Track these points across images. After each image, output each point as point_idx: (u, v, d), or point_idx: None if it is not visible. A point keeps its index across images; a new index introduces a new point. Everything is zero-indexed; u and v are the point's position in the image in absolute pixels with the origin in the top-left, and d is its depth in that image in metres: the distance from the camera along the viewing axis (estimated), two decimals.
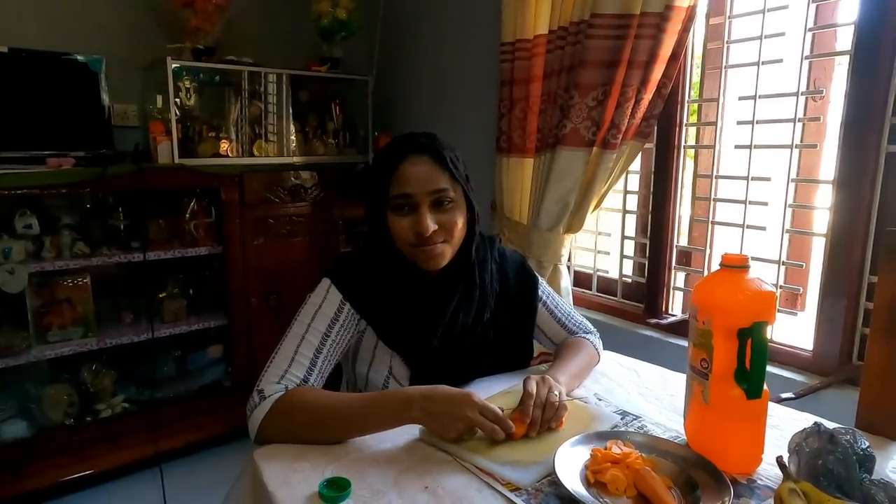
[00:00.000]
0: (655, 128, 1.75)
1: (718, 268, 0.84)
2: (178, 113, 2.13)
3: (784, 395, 1.29)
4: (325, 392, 0.95)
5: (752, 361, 0.78)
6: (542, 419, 0.90)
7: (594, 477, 0.78)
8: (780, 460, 0.76)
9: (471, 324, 1.10)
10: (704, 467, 0.79)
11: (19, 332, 1.92)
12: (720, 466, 0.78)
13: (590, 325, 1.29)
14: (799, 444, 0.79)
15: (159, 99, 2.20)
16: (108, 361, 2.18)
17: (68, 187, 1.89)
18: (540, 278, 1.24)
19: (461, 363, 1.09)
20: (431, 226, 1.00)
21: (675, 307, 1.81)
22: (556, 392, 0.95)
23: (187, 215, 2.23)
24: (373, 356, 1.09)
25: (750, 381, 0.78)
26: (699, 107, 1.74)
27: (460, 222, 1.04)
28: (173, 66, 2.07)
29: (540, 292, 1.22)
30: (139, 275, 2.15)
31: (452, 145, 1.08)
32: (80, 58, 1.96)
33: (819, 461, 0.75)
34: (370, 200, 1.06)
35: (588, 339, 1.23)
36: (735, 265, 0.82)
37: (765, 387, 0.80)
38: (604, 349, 1.32)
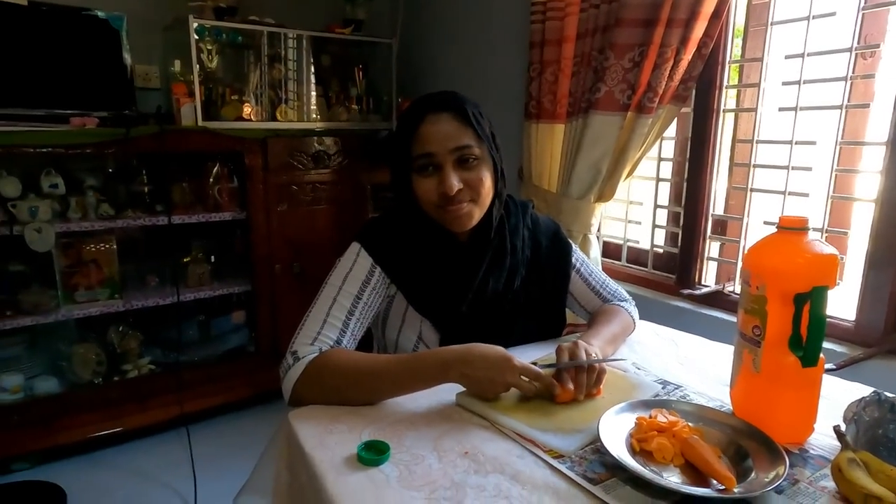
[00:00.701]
0: (694, 91, 1.67)
1: (775, 230, 0.80)
2: (200, 74, 2.09)
3: (825, 366, 1.25)
4: (358, 353, 0.93)
5: (809, 327, 0.74)
6: (584, 383, 0.88)
7: (640, 445, 0.76)
8: (837, 430, 0.73)
9: (501, 290, 1.07)
10: (755, 436, 0.76)
11: (48, 290, 1.94)
12: (771, 436, 0.75)
13: (625, 293, 1.25)
14: (857, 412, 0.76)
15: (178, 62, 2.16)
16: (135, 323, 2.20)
17: (92, 147, 1.88)
18: (574, 245, 1.21)
19: (491, 329, 1.07)
20: (456, 184, 0.97)
21: (709, 278, 1.76)
22: (593, 355, 0.92)
23: (211, 179, 2.21)
24: (402, 321, 1.08)
25: (807, 348, 0.75)
26: (741, 67, 1.66)
27: (487, 180, 1.01)
28: (195, 24, 2.03)
29: (574, 259, 1.19)
30: (164, 238, 2.15)
31: (476, 102, 1.04)
32: (100, 14, 1.92)
33: (879, 430, 0.72)
34: (394, 164, 1.03)
35: (623, 307, 1.20)
36: (794, 227, 0.77)
37: (821, 354, 0.76)
38: (640, 321, 1.30)
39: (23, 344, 2.03)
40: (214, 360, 2.33)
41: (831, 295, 1.45)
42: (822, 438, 0.80)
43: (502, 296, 1.08)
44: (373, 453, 0.74)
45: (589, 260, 1.24)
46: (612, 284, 1.24)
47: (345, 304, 0.98)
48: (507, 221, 1.11)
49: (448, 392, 0.90)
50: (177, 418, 2.12)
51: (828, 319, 1.42)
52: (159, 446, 2.14)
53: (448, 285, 1.04)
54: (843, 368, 1.31)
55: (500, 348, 0.88)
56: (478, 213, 1.02)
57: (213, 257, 2.34)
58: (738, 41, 1.67)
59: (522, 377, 0.86)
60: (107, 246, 2.04)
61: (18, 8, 1.79)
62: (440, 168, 0.98)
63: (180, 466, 1.98)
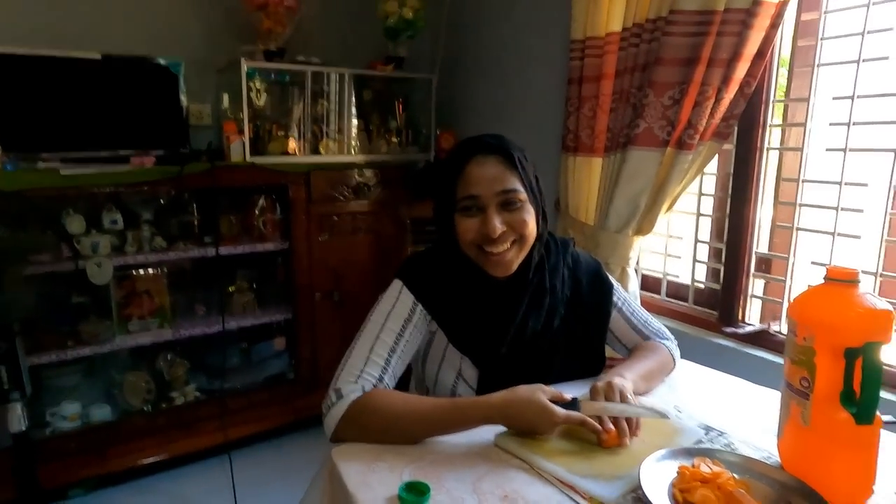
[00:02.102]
0: (736, 128, 1.66)
1: (823, 281, 0.79)
2: (250, 113, 2.19)
3: (885, 418, 1.20)
4: (401, 395, 0.95)
5: (863, 384, 0.72)
6: (625, 427, 0.88)
7: (682, 496, 0.75)
8: None
9: (540, 330, 1.08)
10: (807, 495, 0.74)
11: (104, 321, 2.04)
12: (823, 495, 0.73)
13: (668, 332, 1.24)
14: None
15: (227, 99, 2.27)
16: (182, 351, 2.28)
17: (150, 185, 1.98)
18: (616, 284, 1.21)
19: (531, 368, 1.07)
20: (499, 227, 0.99)
21: (753, 316, 1.72)
22: (630, 397, 0.92)
23: (256, 212, 2.30)
24: (443, 357, 1.09)
25: (861, 404, 0.73)
26: (785, 107, 1.64)
27: (531, 222, 1.02)
28: (246, 67, 2.13)
29: (615, 298, 1.18)
30: (211, 269, 2.23)
31: (521, 146, 1.06)
32: (161, 61, 2.05)
33: None
34: (438, 202, 1.05)
35: (664, 344, 1.19)
36: (842, 279, 0.76)
37: (877, 412, 0.74)
38: (681, 360, 1.28)
39: (80, 373, 2.12)
40: (256, 386, 2.39)
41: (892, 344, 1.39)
42: (883, 501, 0.77)
43: (541, 335, 1.08)
44: (413, 495, 0.76)
45: (631, 298, 1.23)
46: (655, 324, 1.23)
47: (387, 341, 1.00)
48: (547, 260, 1.11)
49: (488, 431, 0.91)
50: (220, 445, 2.17)
51: (889, 368, 1.38)
52: (203, 473, 2.19)
53: (487, 325, 1.05)
54: None
55: (540, 395, 0.89)
56: (518, 259, 1.04)
57: (255, 286, 2.42)
58: (784, 79, 1.65)
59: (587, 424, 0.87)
60: (159, 276, 2.14)
61: (93, 62, 1.93)
62: (484, 210, 1.00)
63: (222, 493, 2.02)
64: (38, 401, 1.97)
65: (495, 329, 1.05)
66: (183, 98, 2.10)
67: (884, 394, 1.36)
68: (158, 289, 2.14)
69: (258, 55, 2.22)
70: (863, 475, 0.77)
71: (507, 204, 1.00)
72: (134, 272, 2.09)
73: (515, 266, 1.04)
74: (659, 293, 1.99)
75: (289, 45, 2.33)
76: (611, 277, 1.21)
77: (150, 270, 2.12)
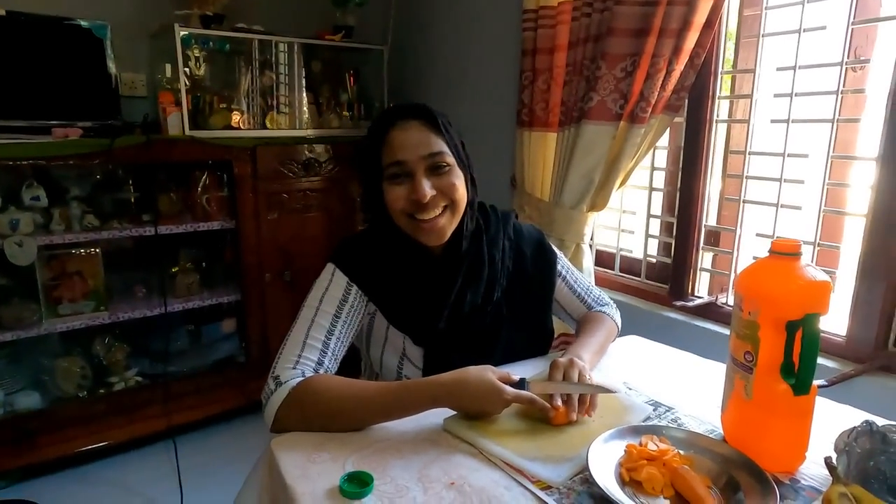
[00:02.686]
0: (686, 101, 1.66)
1: (767, 254, 0.78)
2: (187, 83, 2.06)
3: (816, 382, 1.23)
4: (343, 380, 0.91)
5: (802, 355, 0.73)
6: (575, 403, 0.87)
7: (629, 475, 0.74)
8: (828, 462, 0.71)
9: (480, 303, 1.06)
10: (747, 467, 0.74)
11: (30, 304, 1.90)
12: (761, 464, 0.74)
13: (607, 297, 1.26)
14: (848, 443, 0.74)
15: (168, 68, 2.12)
16: (121, 335, 2.17)
17: (76, 158, 1.84)
18: (559, 253, 1.20)
19: (474, 342, 1.06)
20: (429, 191, 0.95)
21: (702, 289, 1.75)
22: (588, 376, 0.92)
23: (199, 189, 2.19)
24: (385, 338, 1.07)
25: (799, 375, 0.73)
26: (733, 78, 1.65)
27: (461, 187, 0.99)
28: (181, 33, 2.00)
29: (560, 268, 1.18)
30: (151, 249, 2.12)
31: (444, 113, 1.02)
32: (83, 23, 1.89)
33: (871, 462, 0.71)
34: (364, 174, 1.01)
35: (606, 313, 1.21)
36: (786, 252, 0.76)
37: (813, 382, 0.75)
38: (628, 333, 1.29)
39: (3, 359, 1.99)
40: (204, 370, 2.30)
41: None
42: (814, 467, 0.79)
43: (481, 309, 1.06)
44: (355, 485, 0.72)
45: (572, 266, 1.23)
46: (596, 290, 1.25)
47: (323, 324, 0.96)
48: (486, 232, 1.09)
49: (437, 416, 0.88)
50: (164, 431, 2.09)
51: (820, 335, 1.42)
52: (146, 459, 2.10)
53: (424, 300, 1.03)
54: (835, 385, 1.30)
55: (490, 375, 0.86)
56: (451, 226, 1.01)
57: (203, 265, 2.31)
58: (731, 52, 1.65)
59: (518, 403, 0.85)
60: (92, 256, 2.01)
61: None
62: (412, 176, 0.96)
63: (167, 479, 1.95)
64: None
65: (431, 304, 1.02)
66: (111, 65, 1.96)
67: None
68: (92, 270, 2.01)
69: (194, 20, 2.08)
70: (798, 444, 0.78)
71: (435, 168, 0.97)
72: (65, 253, 1.96)
73: (448, 233, 1.01)
74: (613, 268, 2.00)
75: (228, 12, 2.20)
76: (553, 247, 1.20)
77: (83, 250, 1.99)
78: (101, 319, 2.01)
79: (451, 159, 0.98)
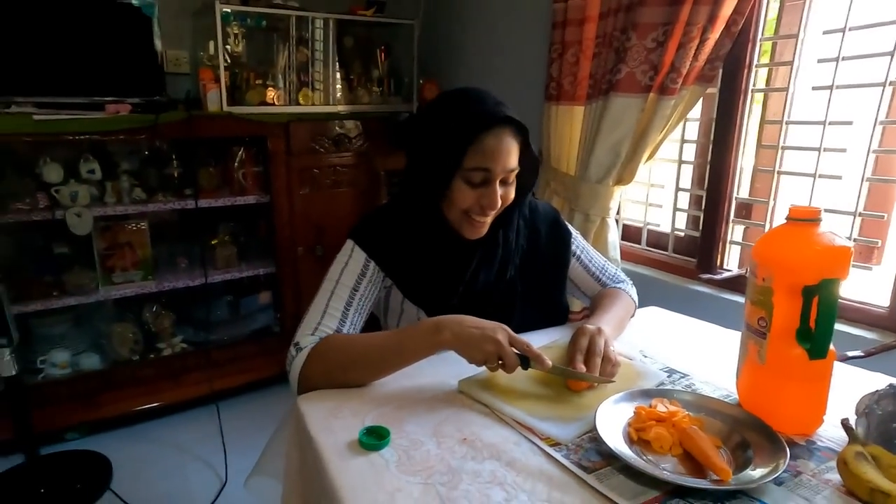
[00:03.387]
0: (721, 70, 1.62)
1: (784, 221, 0.78)
2: (227, 60, 2.12)
3: (851, 354, 1.21)
4: (358, 334, 0.97)
5: (818, 320, 0.73)
6: (597, 365, 0.89)
7: (637, 434, 0.76)
8: (845, 423, 0.72)
9: (493, 281, 1.08)
10: (757, 428, 0.75)
11: (88, 272, 2.03)
12: (776, 427, 0.75)
13: (623, 274, 1.26)
14: (869, 405, 0.74)
15: (210, 46, 2.19)
16: (168, 304, 2.29)
17: (126, 133, 1.94)
18: (574, 231, 1.21)
19: (487, 318, 1.07)
20: (500, 201, 0.98)
21: (732, 262, 1.72)
22: (613, 348, 0.93)
23: (236, 164, 2.26)
24: (401, 310, 1.11)
25: (815, 339, 0.73)
26: (773, 45, 1.59)
27: (513, 193, 1.02)
28: (222, 10, 2.05)
29: (574, 247, 1.19)
30: (192, 221, 2.22)
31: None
32: (133, 2, 1.96)
33: (893, 424, 0.70)
34: (435, 160, 0.98)
35: (623, 289, 1.20)
36: (803, 218, 0.75)
37: (831, 347, 0.75)
38: (654, 306, 1.29)
39: (68, 323, 2.13)
40: (242, 339, 2.41)
41: (865, 280, 1.40)
42: (833, 430, 0.79)
43: (494, 287, 1.09)
44: (374, 438, 0.77)
45: (603, 247, 1.23)
46: (612, 268, 1.25)
47: (342, 295, 1.00)
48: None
49: (453, 378, 0.92)
50: (208, 395, 2.21)
51: (858, 305, 1.40)
52: (193, 421, 2.23)
53: (439, 277, 1.06)
54: (871, 356, 1.27)
55: (502, 327, 0.89)
56: (491, 222, 1.04)
57: (240, 238, 2.40)
58: (773, 17, 1.59)
59: (512, 348, 0.86)
60: (140, 228, 2.12)
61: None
62: (489, 184, 0.97)
63: (212, 440, 2.07)
64: (28, 348, 2.00)
65: (447, 281, 1.06)
66: (158, 43, 2.04)
67: (840, 326, 1.37)
68: (141, 241, 2.12)
69: None
70: (814, 407, 0.78)
71: (506, 179, 0.99)
72: (117, 224, 2.07)
73: (486, 231, 1.04)
74: (640, 243, 1.99)
75: None
76: (569, 225, 1.20)
77: (132, 222, 2.09)
78: (149, 288, 2.13)
79: (518, 168, 1.00)
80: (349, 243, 1.06)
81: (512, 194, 1.02)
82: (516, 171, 1.00)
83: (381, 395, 0.90)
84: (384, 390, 0.91)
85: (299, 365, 0.92)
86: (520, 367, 0.86)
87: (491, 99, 0.98)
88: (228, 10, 2.12)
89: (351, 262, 1.03)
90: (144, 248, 2.14)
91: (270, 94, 2.25)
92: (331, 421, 0.83)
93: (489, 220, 1.02)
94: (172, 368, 2.23)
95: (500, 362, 0.86)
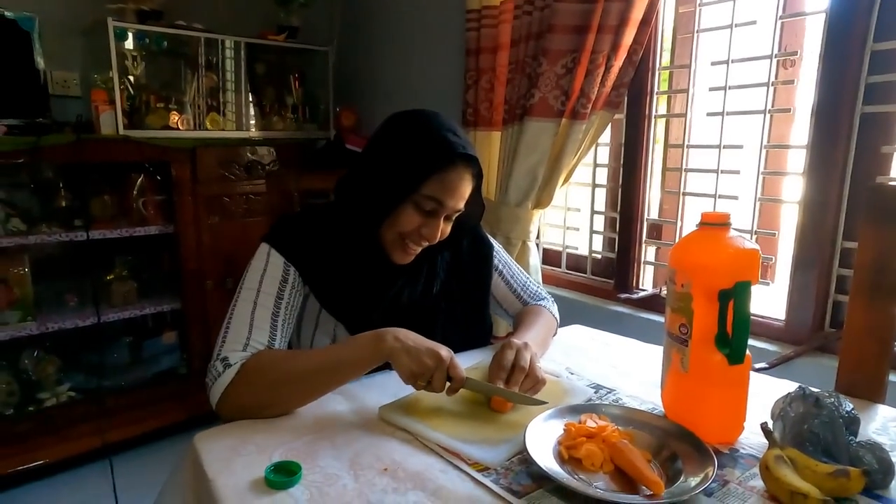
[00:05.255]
0: (626, 97, 1.69)
1: (696, 227, 0.79)
2: (122, 81, 1.98)
3: (758, 366, 1.26)
4: (293, 350, 0.91)
5: (734, 325, 0.73)
6: (519, 381, 0.86)
7: (568, 453, 0.73)
8: (764, 427, 0.72)
9: (418, 298, 1.05)
10: (685, 438, 0.74)
11: None
12: (701, 436, 0.74)
13: (544, 291, 1.25)
14: (783, 408, 0.75)
15: (99, 69, 2.04)
16: (52, 347, 2.04)
17: (0, 157, 1.73)
18: (496, 244, 1.19)
19: None
20: (440, 236, 0.97)
21: (646, 282, 1.77)
22: (538, 363, 0.91)
23: (135, 192, 2.09)
24: (317, 321, 1.04)
25: (732, 345, 0.73)
26: (670, 74, 1.69)
27: (448, 231, 1.01)
28: (114, 27, 1.92)
29: (496, 261, 1.17)
30: (83, 255, 2.01)
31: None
32: (7, 14, 1.79)
33: (805, 426, 0.71)
34: (393, 178, 0.93)
35: (544, 306, 1.19)
36: (715, 223, 0.77)
37: (747, 352, 0.75)
38: (575, 325, 1.28)
39: None
40: (143, 383, 2.19)
41: (763, 295, 1.47)
42: (753, 437, 0.79)
43: (419, 304, 1.05)
44: (282, 475, 0.68)
45: (509, 259, 1.22)
46: (533, 285, 1.23)
47: (267, 304, 0.92)
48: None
49: (372, 405, 0.86)
50: (100, 449, 1.97)
51: (761, 319, 1.47)
52: (81, 480, 1.97)
53: (361, 291, 1.01)
54: (775, 367, 1.32)
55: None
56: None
57: (138, 274, 2.21)
58: (668, 48, 1.70)
59: (450, 369, 0.83)
60: (18, 265, 1.89)
61: None
62: (435, 216, 0.95)
63: (103, 502, 1.83)
64: None
65: (369, 295, 1.01)
66: (39, 60, 1.87)
67: (752, 341, 1.43)
68: (19, 277, 1.89)
69: (129, 16, 2.00)
70: (735, 413, 0.78)
71: (450, 216, 0.98)
72: None
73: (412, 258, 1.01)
74: (560, 266, 2.01)
75: (167, 9, 2.12)
76: (490, 238, 1.19)
77: (8, 257, 1.86)
78: (28, 330, 1.88)
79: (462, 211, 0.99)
80: (264, 247, 0.98)
81: (448, 231, 1.00)
82: (460, 213, 0.99)
83: (292, 427, 0.81)
84: (295, 422, 0.83)
85: (225, 382, 0.83)
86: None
87: (464, 140, 0.96)
88: (123, 28, 1.99)
89: (270, 268, 0.95)
90: (23, 286, 1.90)
91: (174, 117, 2.12)
92: (233, 459, 0.73)
93: (419, 250, 0.99)
94: (56, 421, 1.97)
95: (427, 383, 0.82)
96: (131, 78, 2.07)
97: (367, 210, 0.97)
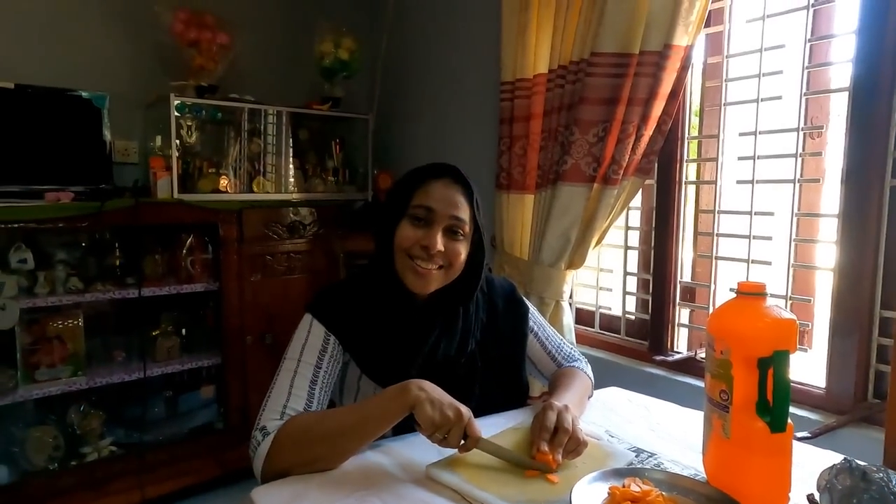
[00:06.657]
0: (656, 164, 1.75)
1: (734, 296, 0.82)
2: (178, 149, 2.13)
3: (800, 435, 1.25)
4: (323, 410, 0.95)
5: (774, 393, 0.75)
6: (565, 448, 0.88)
7: None
8: (811, 499, 0.73)
9: (453, 354, 1.07)
10: None
11: (6, 370, 1.86)
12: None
13: (577, 353, 1.26)
14: (829, 481, 0.75)
15: (159, 138, 2.20)
16: (98, 402, 2.11)
17: (66, 221, 1.87)
18: (531, 307, 1.22)
19: (448, 394, 1.06)
20: (439, 245, 0.99)
21: (681, 344, 1.78)
22: (580, 426, 0.92)
23: (184, 251, 2.20)
24: (357, 388, 1.08)
25: (773, 413, 0.75)
26: (699, 143, 1.75)
27: (463, 256, 1.04)
28: (176, 102, 2.09)
29: (531, 322, 1.20)
30: (133, 311, 2.11)
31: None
32: (84, 94, 1.98)
33: (853, 500, 0.71)
34: (387, 208, 1.05)
35: (578, 367, 1.21)
36: (752, 292, 0.80)
37: (789, 420, 0.77)
38: (612, 387, 1.29)
39: None
40: (180, 438, 2.23)
41: (803, 362, 1.46)
42: None
43: (455, 360, 1.08)
44: None
45: (559, 329, 1.25)
46: (567, 347, 1.25)
47: (306, 374, 0.97)
48: (480, 293, 1.12)
49: (420, 463, 0.88)
50: None
51: (800, 387, 1.45)
52: None
53: (397, 349, 1.04)
54: (818, 437, 1.30)
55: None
56: (440, 282, 1.04)
57: (182, 330, 2.29)
58: (696, 119, 1.77)
59: (468, 427, 0.86)
60: (73, 321, 1.99)
61: (5, 91, 1.84)
62: (430, 225, 1.01)
63: None
64: None
65: (405, 353, 1.04)
66: (107, 133, 2.03)
67: (796, 409, 1.41)
68: (73, 334, 1.98)
69: (189, 91, 2.18)
70: (779, 482, 0.79)
71: (452, 231, 1.02)
72: (47, 317, 1.93)
73: (433, 288, 1.04)
74: (593, 326, 2.03)
75: (222, 83, 2.30)
76: (525, 300, 1.22)
77: (65, 314, 1.97)
78: (78, 385, 1.96)
79: (467, 230, 1.03)
80: (307, 318, 1.04)
81: (461, 252, 1.03)
82: (464, 226, 1.02)
83: (344, 484, 0.84)
84: (347, 476, 0.86)
85: (265, 450, 0.87)
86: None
87: (450, 165, 1.05)
88: (182, 102, 2.16)
89: (311, 338, 1.01)
90: (76, 342, 1.99)
91: (223, 182, 2.26)
92: None
93: (434, 273, 1.01)
94: (97, 475, 2.01)
95: (444, 437, 0.85)
96: (186, 146, 2.23)
97: (379, 246, 1.04)
